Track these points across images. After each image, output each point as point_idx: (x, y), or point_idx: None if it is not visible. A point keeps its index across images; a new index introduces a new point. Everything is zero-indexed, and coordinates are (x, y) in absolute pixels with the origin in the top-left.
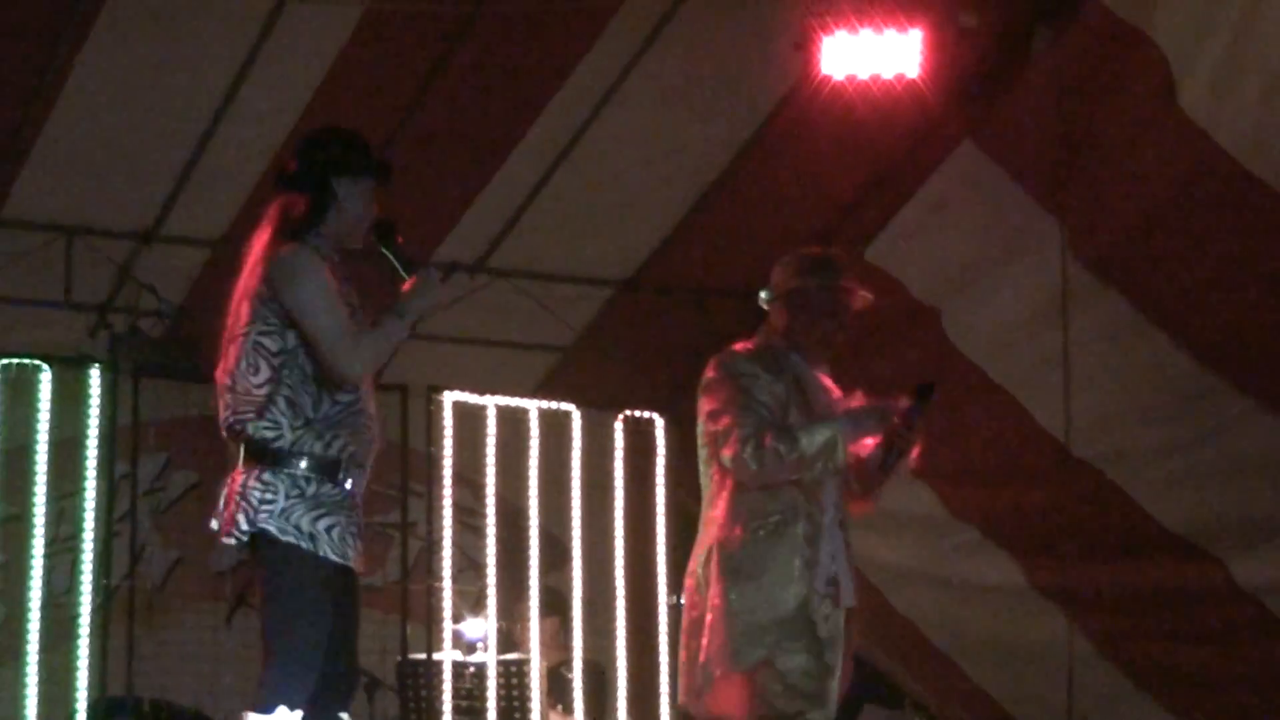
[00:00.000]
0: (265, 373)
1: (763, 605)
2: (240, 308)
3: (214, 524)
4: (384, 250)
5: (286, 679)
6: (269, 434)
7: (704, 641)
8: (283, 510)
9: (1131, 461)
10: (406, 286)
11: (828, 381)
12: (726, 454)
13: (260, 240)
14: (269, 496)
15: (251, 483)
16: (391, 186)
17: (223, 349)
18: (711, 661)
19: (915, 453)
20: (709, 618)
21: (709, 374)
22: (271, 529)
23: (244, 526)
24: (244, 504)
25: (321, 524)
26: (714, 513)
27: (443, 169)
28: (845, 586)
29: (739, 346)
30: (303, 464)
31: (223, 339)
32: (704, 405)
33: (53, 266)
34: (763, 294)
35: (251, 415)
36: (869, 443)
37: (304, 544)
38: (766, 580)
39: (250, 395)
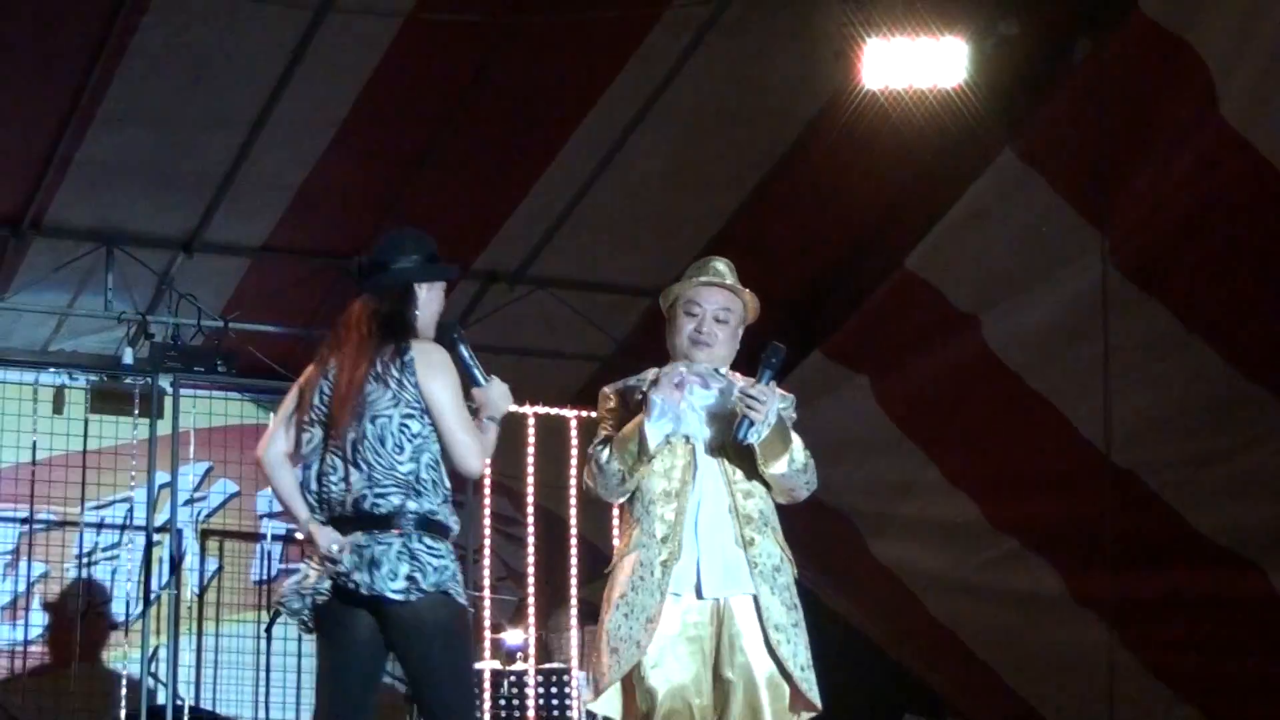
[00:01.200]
0: (408, 452)
1: (626, 619)
2: (359, 389)
3: (363, 577)
4: (461, 354)
5: None
6: (430, 506)
7: (592, 657)
8: (453, 574)
9: (1172, 470)
10: (481, 390)
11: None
12: None
13: (358, 331)
14: (445, 562)
15: (417, 545)
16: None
17: (338, 421)
18: (595, 679)
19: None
20: (598, 631)
21: None
22: (453, 590)
23: (424, 585)
24: (417, 564)
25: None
26: None
27: (482, 179)
28: (711, 579)
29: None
30: (450, 535)
31: (339, 413)
32: None
33: (93, 275)
34: None
35: (397, 490)
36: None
37: (466, 606)
38: (629, 590)
39: (394, 473)
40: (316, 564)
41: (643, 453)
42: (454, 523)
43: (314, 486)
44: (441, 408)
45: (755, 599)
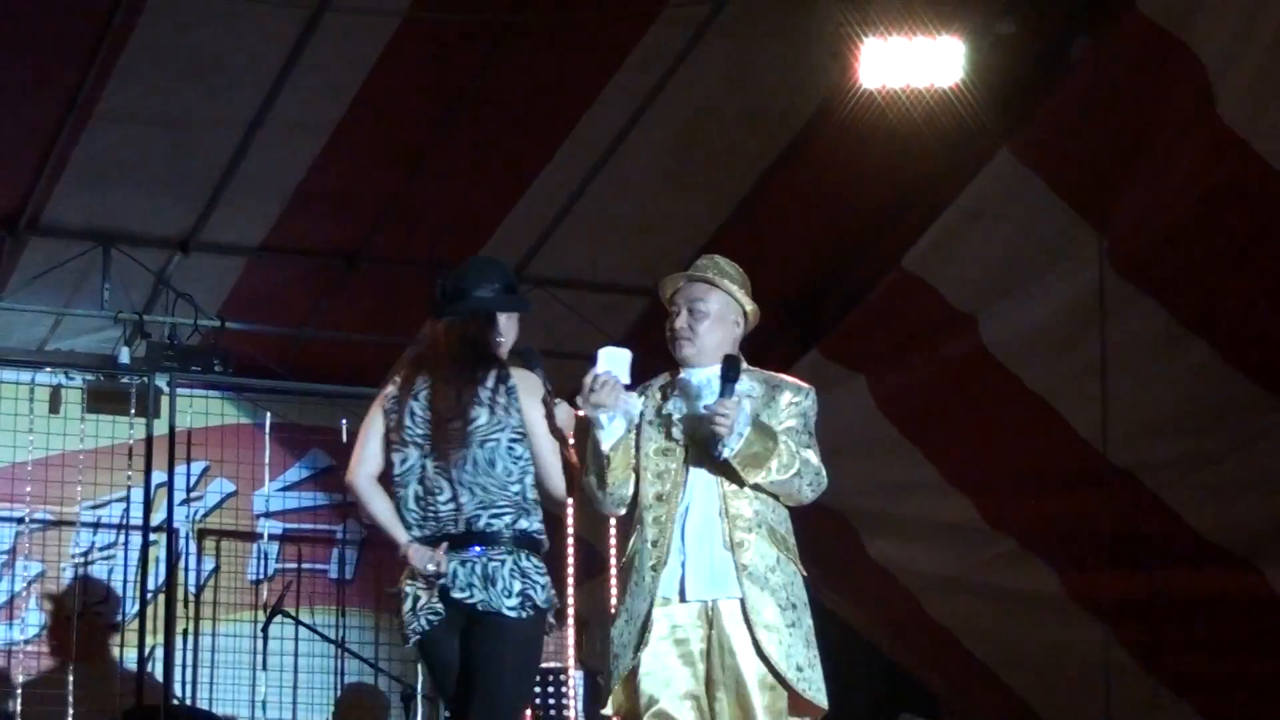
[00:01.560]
0: (516, 474)
1: (626, 624)
2: (465, 413)
3: (481, 594)
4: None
5: None
6: (537, 526)
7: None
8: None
9: (1170, 470)
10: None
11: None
12: None
13: (449, 355)
14: (547, 579)
15: (526, 563)
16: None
17: (446, 444)
18: (603, 685)
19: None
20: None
21: None
22: (551, 609)
23: (538, 603)
24: (529, 581)
25: None
26: None
27: (478, 179)
28: (697, 582)
29: None
30: (542, 552)
31: (445, 436)
32: None
33: (90, 275)
34: None
35: (510, 509)
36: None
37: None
38: (626, 595)
39: (506, 493)
40: (423, 584)
41: (599, 458)
42: (546, 543)
43: (413, 506)
44: (539, 434)
45: (742, 602)
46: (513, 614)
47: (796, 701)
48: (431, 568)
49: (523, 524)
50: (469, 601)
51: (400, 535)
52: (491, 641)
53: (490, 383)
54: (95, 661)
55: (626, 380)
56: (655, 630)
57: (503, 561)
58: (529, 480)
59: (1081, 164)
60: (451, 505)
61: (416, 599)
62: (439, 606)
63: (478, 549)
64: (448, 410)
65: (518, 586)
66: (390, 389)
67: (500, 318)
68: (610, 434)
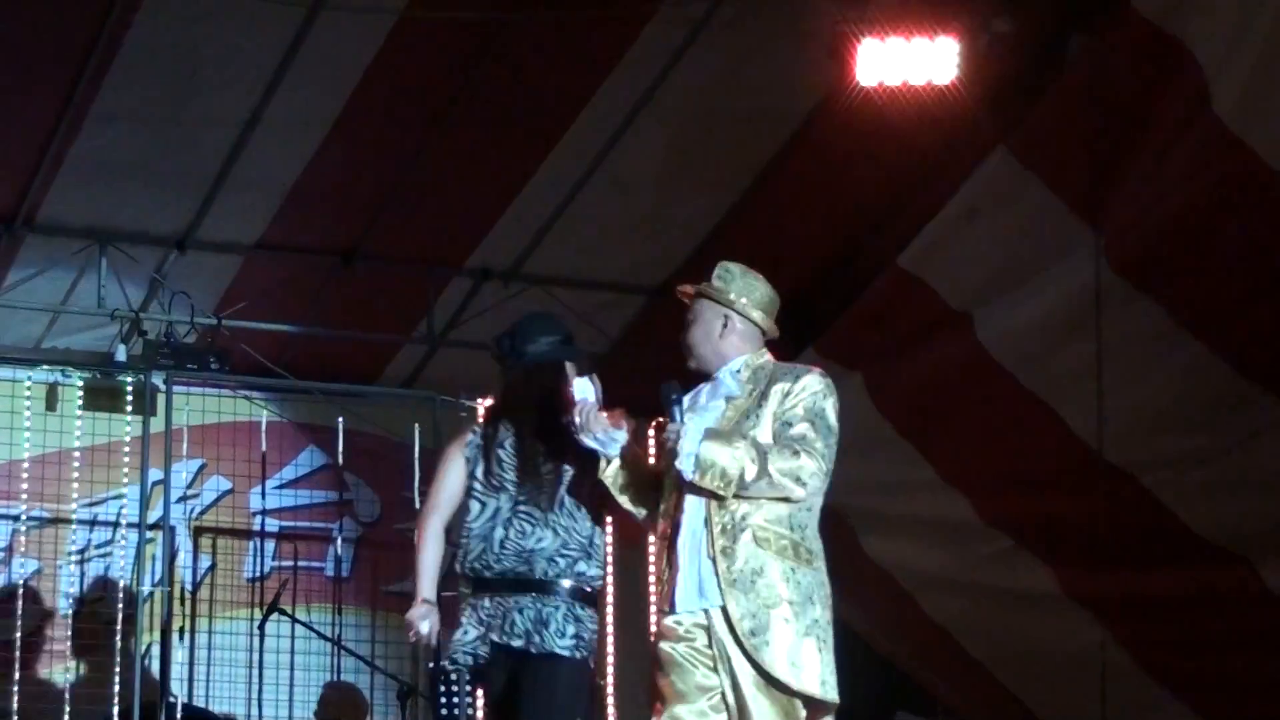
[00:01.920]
0: (591, 520)
1: (649, 636)
2: (558, 458)
3: (535, 638)
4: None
5: None
6: (595, 572)
7: None
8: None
9: (1165, 468)
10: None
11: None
12: None
13: (534, 403)
14: (595, 629)
15: (580, 611)
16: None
17: (540, 487)
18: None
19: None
20: None
21: None
22: (591, 659)
23: (589, 647)
24: (583, 625)
25: None
26: None
27: (476, 176)
28: (686, 593)
29: None
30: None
31: (538, 479)
32: None
33: (86, 273)
34: None
35: (580, 555)
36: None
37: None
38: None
39: (580, 536)
40: (476, 623)
41: (610, 479)
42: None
43: (495, 549)
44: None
45: (724, 610)
46: (567, 653)
47: (809, 698)
48: (422, 629)
49: (581, 566)
50: (521, 647)
51: (425, 589)
52: (544, 680)
53: (574, 429)
54: (91, 659)
55: (597, 404)
56: (663, 639)
57: (557, 608)
58: (598, 529)
59: (1078, 162)
60: (530, 547)
61: (466, 632)
62: (484, 651)
63: (532, 598)
64: (538, 455)
65: (571, 630)
66: (470, 436)
67: (568, 370)
68: (610, 456)
